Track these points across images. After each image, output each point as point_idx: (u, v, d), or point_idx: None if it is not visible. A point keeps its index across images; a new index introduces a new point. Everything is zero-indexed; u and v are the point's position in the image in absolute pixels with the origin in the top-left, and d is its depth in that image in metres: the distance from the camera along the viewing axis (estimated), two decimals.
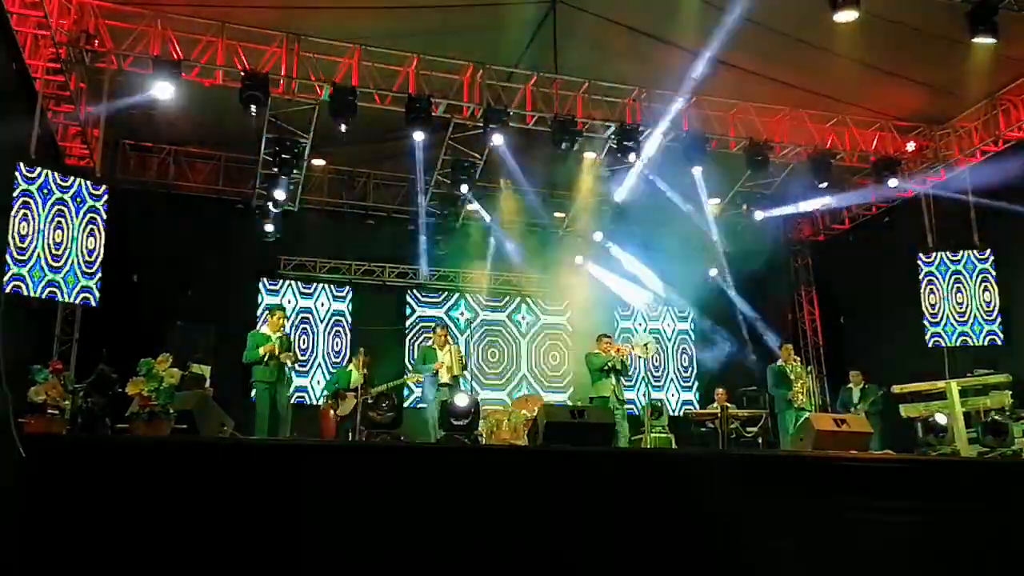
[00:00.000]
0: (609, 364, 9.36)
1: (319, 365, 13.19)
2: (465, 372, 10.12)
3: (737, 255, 13.83)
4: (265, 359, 8.62)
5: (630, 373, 9.91)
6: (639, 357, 10.01)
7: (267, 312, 9.41)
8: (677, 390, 14.94)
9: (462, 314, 14.15)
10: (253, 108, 9.61)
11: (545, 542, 4.25)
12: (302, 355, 12.94)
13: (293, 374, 9.54)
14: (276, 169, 11.61)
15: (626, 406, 9.88)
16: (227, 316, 11.74)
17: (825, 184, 12.08)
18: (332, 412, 9.87)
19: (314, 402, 12.53)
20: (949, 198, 12.16)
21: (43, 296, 8.75)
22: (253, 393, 8.84)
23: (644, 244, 13.64)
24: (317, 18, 9.64)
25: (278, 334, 8.84)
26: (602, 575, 4.30)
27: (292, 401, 12.43)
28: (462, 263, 14.03)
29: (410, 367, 12.68)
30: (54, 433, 6.44)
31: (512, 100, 10.88)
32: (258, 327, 10.59)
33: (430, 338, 10.41)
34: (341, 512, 4.04)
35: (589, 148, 11.84)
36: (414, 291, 14.12)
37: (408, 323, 13.97)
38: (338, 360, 12.98)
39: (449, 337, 10.21)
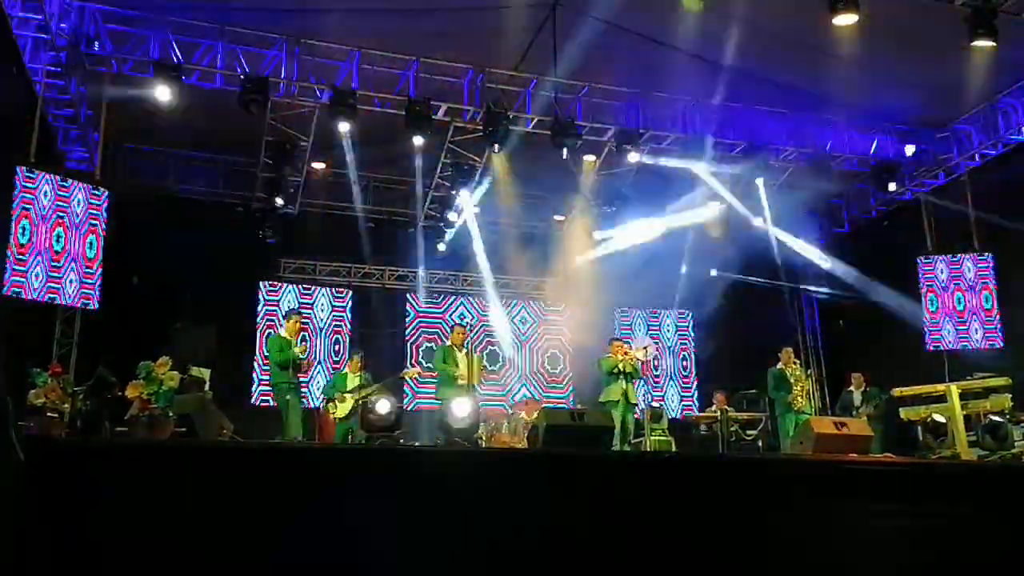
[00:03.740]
0: (619, 368, 9.37)
1: (319, 368, 13.17)
2: (482, 382, 9.91)
3: (737, 257, 13.82)
4: (297, 360, 8.57)
5: (641, 376, 9.86)
6: (639, 360, 10.00)
7: (285, 316, 9.33)
8: (677, 393, 14.94)
9: (462, 317, 14.16)
10: (253, 108, 9.67)
11: (543, 544, 4.25)
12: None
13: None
14: (276, 172, 11.63)
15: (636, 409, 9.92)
16: (227, 319, 11.74)
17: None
18: (330, 415, 9.86)
19: (313, 405, 12.53)
20: (948, 202, 12.17)
21: (43, 299, 8.75)
22: (275, 397, 8.74)
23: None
24: (317, 21, 9.66)
25: (297, 339, 8.83)
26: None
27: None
28: (462, 266, 14.05)
29: (409, 367, 12.68)
30: (53, 436, 6.44)
31: (512, 103, 10.89)
32: (278, 330, 10.40)
33: (447, 337, 10.18)
34: (341, 514, 4.04)
35: (589, 151, 11.86)
36: (414, 294, 14.12)
37: (408, 326, 13.96)
38: (338, 363, 12.98)
39: (468, 338, 9.94)
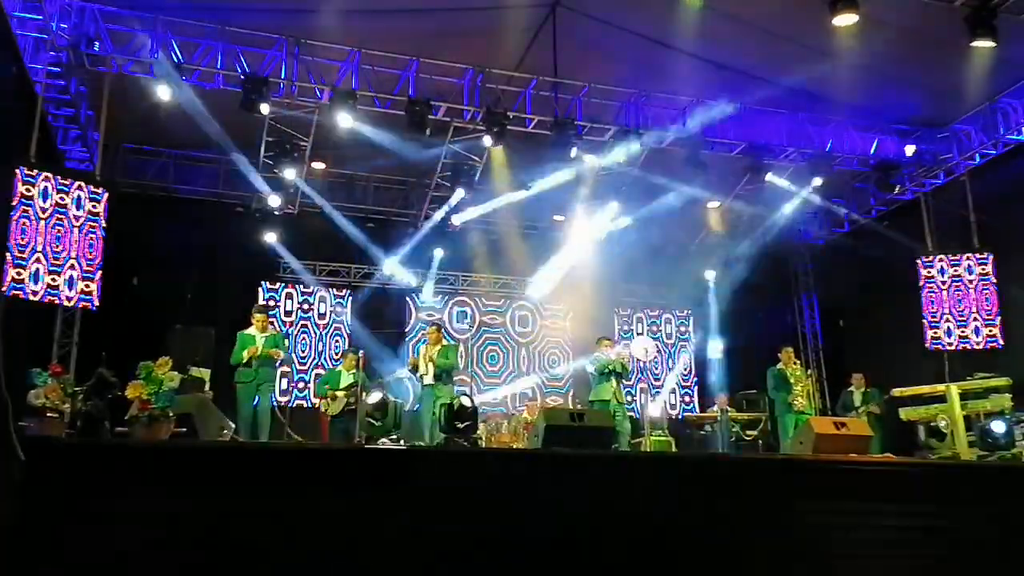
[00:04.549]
0: (610, 367, 9.32)
1: (319, 368, 13.17)
2: (456, 373, 9.88)
3: (737, 257, 13.84)
4: (247, 360, 8.64)
5: (631, 376, 9.84)
6: (638, 360, 10.00)
7: (253, 311, 9.40)
8: (677, 393, 14.94)
9: (465, 316, 14.19)
10: (263, 108, 9.75)
11: (544, 544, 4.24)
12: (301, 362, 12.97)
13: (281, 377, 9.47)
14: (276, 172, 11.63)
15: (627, 408, 9.88)
16: (227, 319, 11.71)
17: (820, 182, 12.11)
18: (324, 413, 9.88)
19: (310, 404, 12.54)
20: (948, 201, 12.17)
21: (43, 299, 8.75)
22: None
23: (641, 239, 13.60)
24: (317, 21, 9.66)
25: (264, 334, 8.84)
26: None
27: (290, 404, 12.53)
28: (462, 266, 14.06)
29: (402, 368, 12.68)
30: (53, 436, 6.43)
31: (512, 103, 10.89)
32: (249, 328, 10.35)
33: (425, 337, 10.18)
34: (341, 515, 4.04)
35: (588, 151, 11.85)
36: (414, 294, 14.12)
37: (408, 326, 13.97)
38: (338, 363, 12.98)
39: (443, 336, 9.94)
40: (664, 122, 11.47)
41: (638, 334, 14.70)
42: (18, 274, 8.42)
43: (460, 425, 8.55)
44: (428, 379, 9.38)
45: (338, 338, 13.48)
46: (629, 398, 11.09)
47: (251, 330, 8.96)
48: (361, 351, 10.23)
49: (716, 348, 14.41)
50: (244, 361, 8.71)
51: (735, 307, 13.92)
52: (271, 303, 12.86)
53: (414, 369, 9.67)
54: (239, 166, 11.58)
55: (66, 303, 9.13)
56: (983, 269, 11.49)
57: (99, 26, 9.32)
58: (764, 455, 10.15)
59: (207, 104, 10.24)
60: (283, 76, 9.99)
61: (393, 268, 13.73)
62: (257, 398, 8.72)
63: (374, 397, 9.76)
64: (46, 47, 8.88)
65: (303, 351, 13.19)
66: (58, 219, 8.87)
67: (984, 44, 8.82)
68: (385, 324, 13.69)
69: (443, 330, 10.35)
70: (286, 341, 9.06)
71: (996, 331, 11.24)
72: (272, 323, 9.38)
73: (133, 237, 10.66)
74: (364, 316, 13.62)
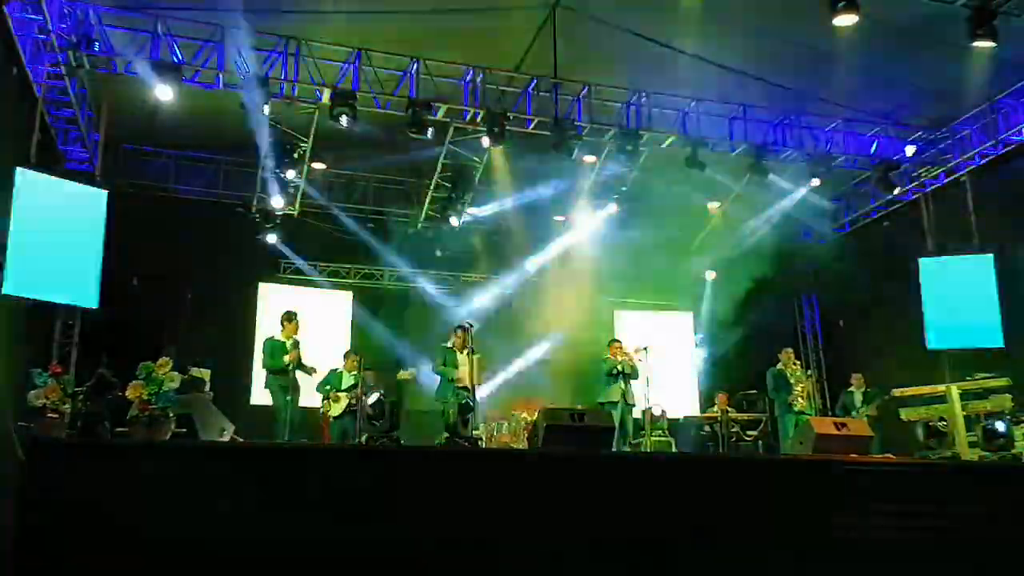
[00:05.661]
0: (618, 368, 9.37)
1: (318, 369, 13.15)
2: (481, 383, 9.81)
3: (737, 258, 13.84)
4: (288, 367, 8.66)
5: (639, 377, 9.85)
6: (639, 360, 10.01)
7: (283, 317, 9.28)
8: (677, 393, 14.91)
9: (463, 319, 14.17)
10: (266, 108, 9.77)
11: (545, 544, 4.25)
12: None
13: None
14: (276, 173, 11.63)
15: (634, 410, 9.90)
16: (227, 320, 11.76)
17: (818, 182, 12.10)
18: (326, 413, 9.88)
19: (310, 405, 12.52)
20: (949, 201, 12.17)
21: (43, 299, 8.75)
22: (270, 398, 8.82)
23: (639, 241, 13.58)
24: (317, 21, 9.65)
25: (292, 340, 8.86)
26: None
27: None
28: (462, 266, 14.06)
29: (406, 368, 12.67)
30: (53, 436, 6.44)
31: (512, 103, 10.89)
32: (275, 334, 10.12)
33: (448, 338, 9.94)
34: (341, 516, 4.04)
35: (589, 151, 11.86)
36: (414, 294, 14.11)
37: (407, 326, 13.95)
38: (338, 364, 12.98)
39: (469, 339, 9.60)
40: (664, 122, 11.47)
41: (637, 334, 14.69)
42: (18, 275, 8.42)
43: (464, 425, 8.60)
44: (466, 382, 9.19)
45: (338, 339, 13.45)
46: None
47: (279, 336, 8.98)
48: (353, 350, 10.24)
49: (715, 348, 14.40)
50: (285, 367, 8.70)
51: (735, 307, 13.90)
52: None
53: (452, 376, 9.31)
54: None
55: (66, 303, 9.14)
56: (983, 268, 11.47)
57: (99, 26, 9.32)
58: (764, 455, 10.16)
59: (207, 104, 10.26)
60: (283, 76, 9.99)
61: (393, 268, 13.74)
62: (290, 401, 8.71)
63: (372, 398, 9.78)
64: (46, 48, 8.87)
65: (303, 352, 13.16)
66: (58, 219, 8.86)
67: (984, 44, 8.81)
68: (385, 324, 13.69)
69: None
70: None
71: (996, 331, 11.21)
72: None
73: (133, 237, 10.64)
74: (364, 316, 13.61)
